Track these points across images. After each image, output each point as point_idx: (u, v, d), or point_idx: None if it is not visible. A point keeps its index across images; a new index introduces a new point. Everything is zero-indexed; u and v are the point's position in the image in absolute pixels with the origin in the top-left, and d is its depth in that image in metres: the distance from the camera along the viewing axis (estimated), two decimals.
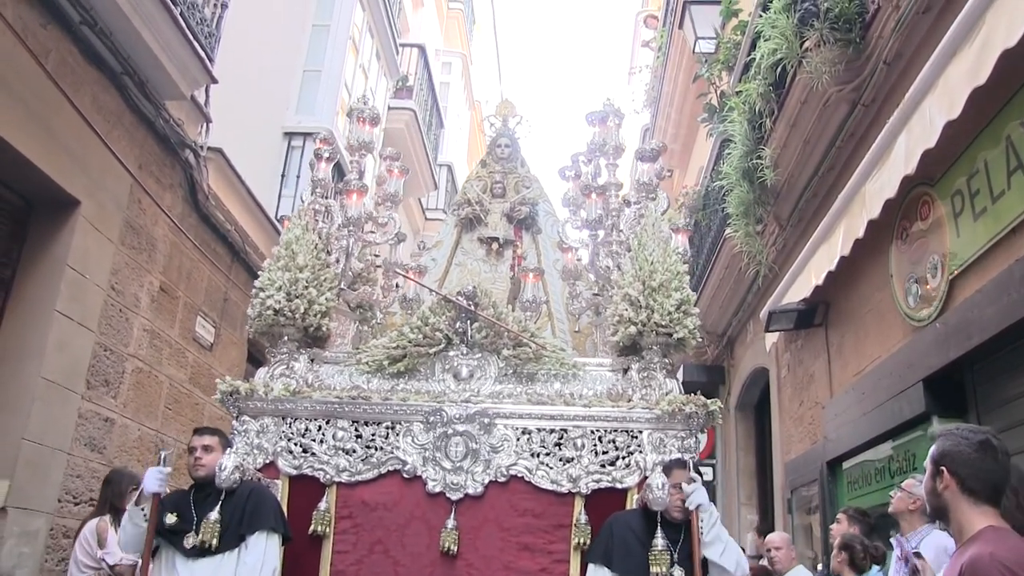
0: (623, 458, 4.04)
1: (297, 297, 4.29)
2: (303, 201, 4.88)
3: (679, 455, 3.93)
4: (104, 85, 5.47)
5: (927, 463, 2.25)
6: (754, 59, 6.25)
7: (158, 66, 5.77)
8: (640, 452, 4.03)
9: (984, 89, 3.46)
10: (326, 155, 4.95)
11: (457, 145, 18.56)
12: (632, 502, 3.93)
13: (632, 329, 4.16)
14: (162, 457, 3.66)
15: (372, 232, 5.12)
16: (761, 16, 6.07)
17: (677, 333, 4.13)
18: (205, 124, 6.80)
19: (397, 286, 5.35)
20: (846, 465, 6.06)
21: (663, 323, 4.12)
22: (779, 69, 5.81)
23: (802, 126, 5.95)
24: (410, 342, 4.32)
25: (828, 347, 6.48)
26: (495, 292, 4.96)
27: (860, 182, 4.95)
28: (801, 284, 6.12)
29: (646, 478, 3.85)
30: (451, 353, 4.38)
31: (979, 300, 4.03)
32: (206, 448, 3.75)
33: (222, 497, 3.65)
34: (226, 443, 3.88)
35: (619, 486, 4.00)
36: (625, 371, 4.32)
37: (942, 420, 4.47)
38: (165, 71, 5.83)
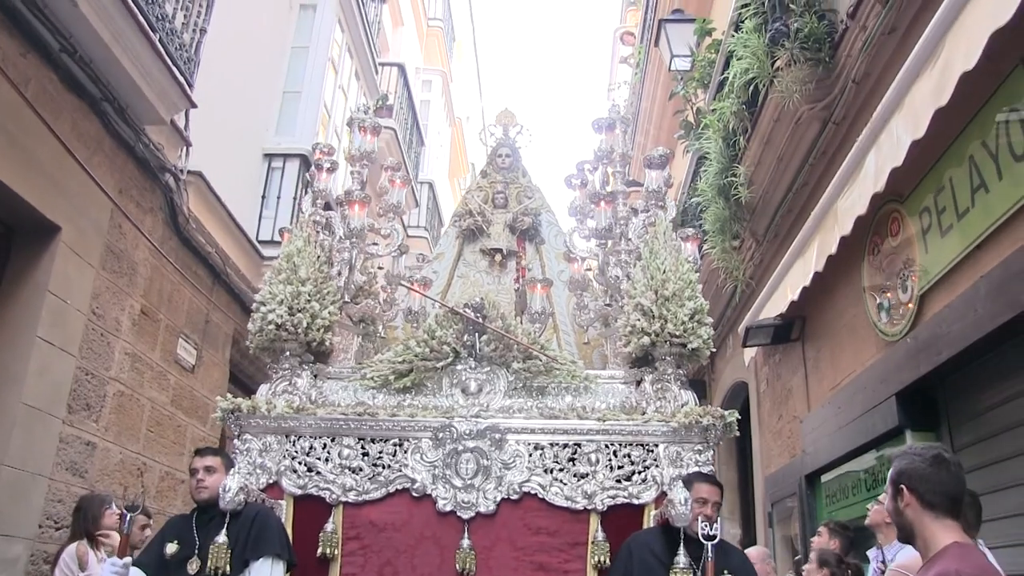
0: (639, 473, 3.91)
1: (299, 311, 4.15)
2: (303, 212, 4.74)
3: (697, 468, 3.81)
4: (84, 112, 5.49)
5: (887, 487, 2.33)
6: (727, 78, 6.34)
7: (138, 92, 5.79)
8: (656, 466, 3.90)
9: (947, 110, 3.55)
10: (327, 165, 4.79)
11: (438, 163, 18.62)
12: (649, 518, 3.81)
13: (645, 339, 4.03)
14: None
15: (374, 244, 5.01)
16: (733, 36, 6.17)
17: (691, 343, 4.01)
18: (185, 148, 6.82)
19: (398, 302, 5.21)
20: (824, 479, 6.12)
21: (677, 333, 3.99)
22: (752, 88, 5.90)
23: (775, 144, 6.04)
24: (417, 356, 4.19)
25: (805, 362, 6.55)
26: (501, 304, 4.81)
27: (832, 199, 5.02)
28: (777, 299, 6.19)
29: (664, 494, 3.73)
30: (459, 367, 4.25)
31: (947, 315, 4.10)
32: (208, 469, 3.66)
33: (227, 520, 3.53)
34: (229, 464, 3.78)
35: (636, 502, 3.86)
36: (638, 383, 4.20)
37: (915, 434, 4.55)
38: (145, 97, 5.86)
